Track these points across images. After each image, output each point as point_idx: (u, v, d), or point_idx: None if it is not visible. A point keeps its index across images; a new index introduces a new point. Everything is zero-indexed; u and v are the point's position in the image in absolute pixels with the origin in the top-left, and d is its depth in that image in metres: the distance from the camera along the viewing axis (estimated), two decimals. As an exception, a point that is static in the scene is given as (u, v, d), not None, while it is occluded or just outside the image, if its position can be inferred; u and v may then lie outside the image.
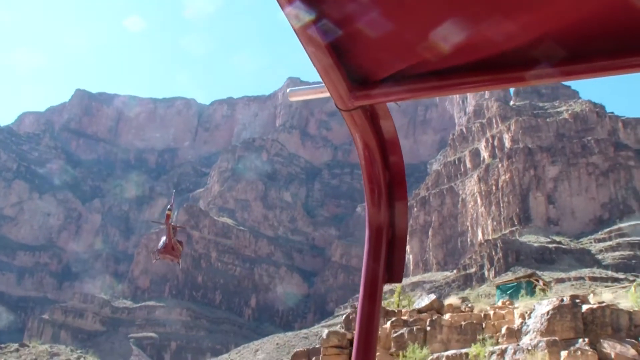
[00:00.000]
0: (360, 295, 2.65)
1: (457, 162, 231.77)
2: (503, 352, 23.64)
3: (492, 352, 23.71)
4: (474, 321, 27.85)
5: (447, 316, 28.64)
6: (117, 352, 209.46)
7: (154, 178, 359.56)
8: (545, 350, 22.01)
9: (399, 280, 2.70)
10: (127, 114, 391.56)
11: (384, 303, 39.89)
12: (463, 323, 27.52)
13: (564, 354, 21.80)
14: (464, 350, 24.92)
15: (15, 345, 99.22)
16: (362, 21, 2.23)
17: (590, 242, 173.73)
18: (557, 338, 22.96)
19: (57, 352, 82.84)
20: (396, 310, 33.94)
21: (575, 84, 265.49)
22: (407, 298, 39.18)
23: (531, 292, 40.71)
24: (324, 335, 29.05)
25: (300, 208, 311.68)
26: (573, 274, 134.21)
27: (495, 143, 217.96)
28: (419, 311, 30.86)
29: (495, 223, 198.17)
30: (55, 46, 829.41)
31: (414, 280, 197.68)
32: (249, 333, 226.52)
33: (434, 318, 28.37)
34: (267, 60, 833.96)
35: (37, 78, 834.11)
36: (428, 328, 27.61)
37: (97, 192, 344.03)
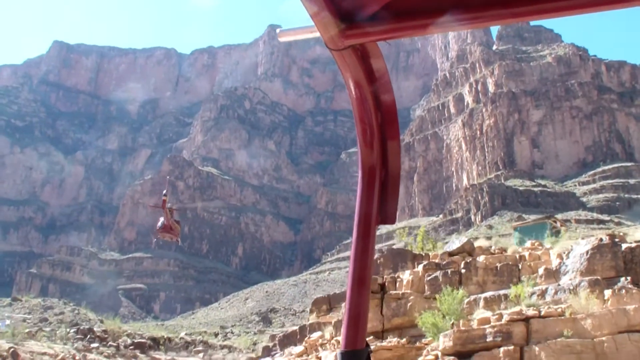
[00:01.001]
0: (353, 236, 2.64)
1: (440, 108, 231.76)
2: (543, 292, 23.70)
3: (532, 293, 23.77)
4: (510, 263, 27.85)
5: (481, 258, 28.47)
6: (106, 304, 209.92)
7: (136, 129, 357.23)
8: (588, 290, 22.09)
9: (393, 222, 2.68)
10: (107, 66, 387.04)
11: (408, 247, 40.25)
12: (498, 265, 27.47)
13: (607, 292, 21.86)
14: (502, 292, 24.94)
15: (8, 300, 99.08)
16: None
17: (575, 185, 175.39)
18: (598, 277, 23.04)
19: (51, 305, 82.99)
20: (424, 254, 34.03)
21: (558, 27, 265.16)
22: (430, 241, 39.35)
23: (554, 233, 40.89)
24: None
25: (285, 156, 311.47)
26: (559, 216, 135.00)
27: (479, 88, 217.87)
28: (450, 254, 30.82)
29: (480, 168, 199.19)
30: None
31: (400, 226, 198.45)
32: (236, 282, 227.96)
33: (468, 260, 28.31)
34: (248, 7, 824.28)
35: (13, 30, 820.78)
36: (463, 270, 27.52)
37: (79, 145, 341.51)
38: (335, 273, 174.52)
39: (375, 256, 40.16)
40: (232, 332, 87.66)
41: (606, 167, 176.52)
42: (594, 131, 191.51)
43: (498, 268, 27.25)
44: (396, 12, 2.33)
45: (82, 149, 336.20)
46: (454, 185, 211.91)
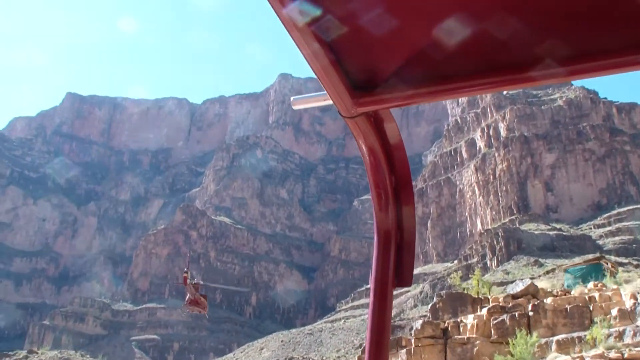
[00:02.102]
0: (370, 300, 2.65)
1: (453, 153, 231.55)
2: (621, 334, 22.95)
3: (609, 335, 22.97)
4: (579, 304, 27.01)
5: (548, 300, 27.65)
6: (120, 355, 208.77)
7: (149, 179, 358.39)
8: (668, 330, 21.35)
9: (409, 284, 2.69)
10: (119, 116, 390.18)
11: (459, 290, 39.52)
12: (568, 307, 26.63)
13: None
14: (574, 334, 24.10)
15: (24, 352, 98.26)
16: (361, 22, 2.20)
17: (590, 228, 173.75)
18: (678, 317, 22.31)
19: (68, 358, 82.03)
20: (482, 298, 33.29)
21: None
22: (486, 285, 38.70)
23: (601, 275, 40.11)
24: (418, 326, 27.88)
25: (297, 204, 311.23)
26: (577, 260, 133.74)
27: (491, 132, 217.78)
28: (514, 296, 29.93)
29: (494, 212, 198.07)
30: (44, 49, 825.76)
31: (415, 273, 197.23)
32: (250, 331, 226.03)
33: (535, 303, 27.42)
34: (258, 57, 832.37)
35: (27, 82, 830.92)
36: (530, 313, 26.64)
37: (92, 195, 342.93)
38: (351, 321, 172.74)
39: (434, 300, 39.47)
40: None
41: (621, 210, 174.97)
42: (607, 173, 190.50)
43: (568, 310, 26.40)
44: (409, 78, 2.35)
45: (95, 199, 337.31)
46: (467, 230, 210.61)
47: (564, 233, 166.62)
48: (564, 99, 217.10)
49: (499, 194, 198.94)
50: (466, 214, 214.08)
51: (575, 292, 30.84)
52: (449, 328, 27.64)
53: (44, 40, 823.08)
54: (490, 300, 31.28)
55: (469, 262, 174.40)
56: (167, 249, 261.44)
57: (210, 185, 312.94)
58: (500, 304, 28.78)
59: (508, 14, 2.06)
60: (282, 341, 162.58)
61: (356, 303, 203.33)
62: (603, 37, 2.02)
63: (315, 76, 2.27)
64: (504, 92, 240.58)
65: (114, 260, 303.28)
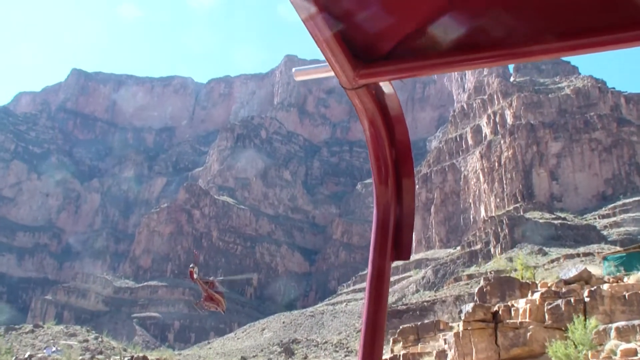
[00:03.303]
0: (368, 273, 2.65)
1: (458, 139, 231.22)
2: None
3: None
4: (638, 291, 26.72)
5: (605, 286, 27.34)
6: (121, 332, 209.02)
7: (152, 157, 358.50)
8: None
9: (407, 258, 2.70)
10: (124, 93, 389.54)
11: (507, 274, 39.36)
12: (626, 293, 26.35)
13: None
14: (636, 322, 23.84)
15: (30, 327, 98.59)
16: None
17: (595, 218, 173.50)
18: None
19: (74, 333, 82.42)
20: (530, 282, 33.09)
21: (575, 60, 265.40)
22: (529, 270, 38.68)
23: None
24: (469, 309, 27.52)
25: (300, 186, 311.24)
26: (582, 249, 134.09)
27: (497, 119, 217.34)
28: (567, 282, 29.65)
29: (498, 200, 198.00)
30: (51, 25, 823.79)
31: (417, 258, 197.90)
32: (251, 312, 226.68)
33: (592, 289, 27.13)
34: (264, 38, 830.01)
35: (32, 58, 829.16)
36: (587, 299, 26.32)
37: (96, 172, 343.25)
38: (353, 304, 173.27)
39: (482, 283, 39.41)
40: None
41: (627, 200, 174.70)
42: (613, 164, 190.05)
43: (627, 297, 26.11)
44: (410, 50, 2.37)
45: (98, 176, 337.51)
46: (471, 217, 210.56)
47: (569, 222, 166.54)
48: (571, 87, 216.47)
49: (504, 182, 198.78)
50: (470, 201, 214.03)
51: (631, 279, 30.46)
52: (500, 312, 27.34)
53: (51, 18, 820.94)
54: (539, 285, 31.03)
55: (472, 248, 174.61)
56: (170, 227, 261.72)
57: (214, 164, 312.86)
58: (553, 289, 28.42)
59: None
60: (283, 322, 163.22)
61: (358, 287, 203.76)
62: (600, 14, 2.03)
63: (312, 37, 2.25)
64: (511, 79, 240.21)
65: (116, 237, 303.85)
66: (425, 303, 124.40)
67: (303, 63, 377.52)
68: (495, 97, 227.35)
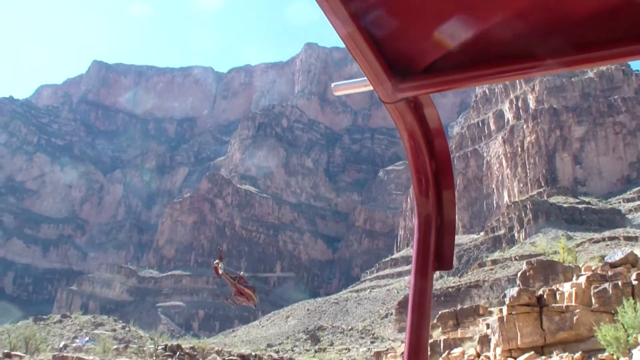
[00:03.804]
0: (411, 283, 2.68)
1: (480, 124, 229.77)
2: None
3: None
4: None
5: None
6: (146, 321, 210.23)
7: (174, 147, 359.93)
8: None
9: (450, 268, 2.72)
10: (145, 84, 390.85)
11: (550, 258, 39.01)
12: None
13: None
14: None
15: (58, 317, 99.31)
16: (403, 10, 2.23)
17: (619, 202, 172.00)
18: None
19: (101, 322, 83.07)
20: (573, 266, 32.66)
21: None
22: (571, 254, 38.32)
23: None
24: (514, 293, 27.11)
25: (322, 174, 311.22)
26: (607, 234, 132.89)
27: (520, 104, 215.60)
28: (612, 265, 29.17)
29: (521, 185, 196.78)
30: (70, 18, 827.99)
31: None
32: (275, 299, 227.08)
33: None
34: (284, 26, 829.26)
35: (54, 50, 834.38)
36: (635, 282, 25.88)
37: (118, 163, 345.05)
38: (377, 291, 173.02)
39: (524, 267, 39.15)
40: (292, 350, 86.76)
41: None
42: (638, 147, 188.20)
43: None
44: (448, 64, 2.38)
45: (121, 167, 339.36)
46: (494, 202, 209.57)
47: (593, 207, 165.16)
48: (594, 71, 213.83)
49: (527, 167, 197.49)
50: (493, 186, 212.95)
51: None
52: (545, 296, 26.95)
53: (70, 11, 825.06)
54: (582, 268, 30.57)
55: (496, 234, 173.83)
56: (193, 216, 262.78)
57: (236, 154, 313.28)
58: (599, 272, 27.94)
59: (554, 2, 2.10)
60: (307, 310, 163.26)
61: (381, 273, 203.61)
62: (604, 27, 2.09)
63: (350, 53, 2.27)
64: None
65: (139, 227, 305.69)
66: (449, 289, 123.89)
67: (323, 50, 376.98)
68: (517, 81, 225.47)
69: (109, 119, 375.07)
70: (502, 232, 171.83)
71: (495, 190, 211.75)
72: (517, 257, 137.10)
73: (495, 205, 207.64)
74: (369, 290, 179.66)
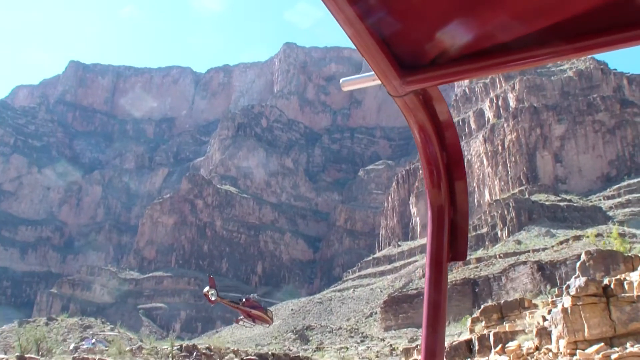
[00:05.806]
0: (426, 275, 2.70)
1: (461, 123, 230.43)
2: None
3: None
4: None
5: None
6: (127, 323, 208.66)
7: (153, 148, 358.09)
8: None
9: (464, 258, 2.77)
10: (123, 85, 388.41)
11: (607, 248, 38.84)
12: None
13: None
14: None
15: (44, 319, 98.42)
16: (408, 3, 2.24)
17: (600, 200, 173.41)
18: None
19: (89, 324, 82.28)
20: (633, 256, 32.52)
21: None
22: (624, 243, 38.42)
23: None
24: (581, 283, 26.48)
25: (302, 174, 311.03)
26: (590, 231, 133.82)
27: (500, 103, 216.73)
28: None
29: (502, 183, 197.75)
30: (48, 19, 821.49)
31: (423, 242, 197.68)
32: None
33: None
34: (261, 26, 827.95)
35: (30, 50, 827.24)
36: None
37: (96, 164, 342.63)
38: (360, 290, 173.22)
39: (583, 257, 39.05)
40: (290, 349, 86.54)
41: (631, 181, 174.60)
42: (617, 145, 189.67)
43: None
44: (454, 56, 2.40)
45: (99, 168, 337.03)
46: (475, 200, 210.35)
47: (575, 204, 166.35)
48: (573, 70, 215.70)
49: (508, 165, 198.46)
50: (474, 185, 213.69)
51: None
52: (611, 286, 26.52)
53: (47, 9, 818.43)
54: None
55: (478, 232, 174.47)
56: (174, 217, 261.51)
57: (216, 154, 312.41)
58: None
59: None
60: (291, 310, 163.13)
61: (363, 272, 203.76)
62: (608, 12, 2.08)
63: (357, 49, 2.28)
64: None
65: (119, 229, 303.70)
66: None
67: (302, 50, 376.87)
68: (497, 80, 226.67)
69: (87, 119, 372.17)
70: (484, 230, 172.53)
71: (476, 189, 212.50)
72: (501, 255, 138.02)
73: (477, 203, 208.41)
74: (352, 289, 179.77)
